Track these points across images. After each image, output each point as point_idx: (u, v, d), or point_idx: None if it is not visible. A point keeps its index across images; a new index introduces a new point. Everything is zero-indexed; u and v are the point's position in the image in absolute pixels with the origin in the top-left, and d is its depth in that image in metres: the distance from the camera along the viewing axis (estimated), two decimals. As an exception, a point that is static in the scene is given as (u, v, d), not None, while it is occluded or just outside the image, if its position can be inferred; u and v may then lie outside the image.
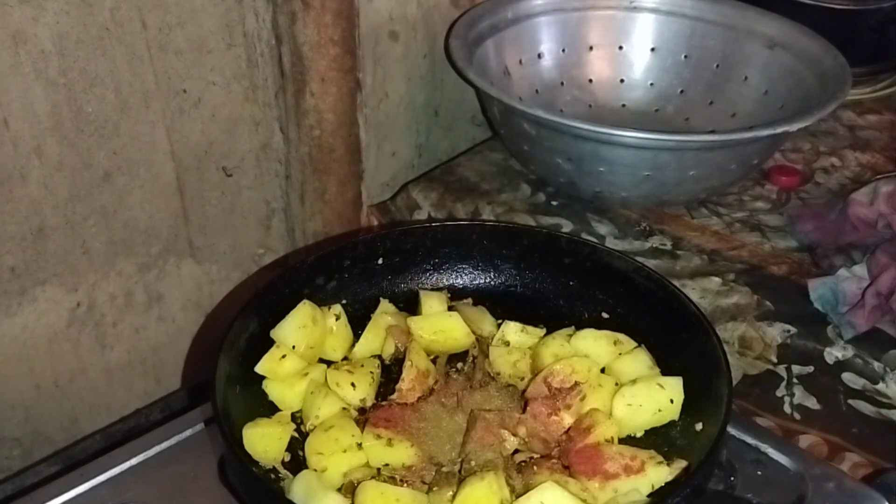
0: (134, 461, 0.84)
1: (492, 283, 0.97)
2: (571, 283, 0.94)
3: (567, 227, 1.11)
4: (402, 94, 1.23)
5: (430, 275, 0.97)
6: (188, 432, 0.87)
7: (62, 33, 0.89)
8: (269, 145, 1.13)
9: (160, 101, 1.00)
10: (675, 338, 0.86)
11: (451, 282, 0.97)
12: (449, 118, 1.33)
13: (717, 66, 1.27)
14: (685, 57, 1.29)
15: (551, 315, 0.93)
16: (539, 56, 1.28)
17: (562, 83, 1.29)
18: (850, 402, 0.96)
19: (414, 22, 1.20)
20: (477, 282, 0.97)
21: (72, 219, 0.98)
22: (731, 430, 0.84)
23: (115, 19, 0.93)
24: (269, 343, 0.85)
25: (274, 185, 1.17)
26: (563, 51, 1.30)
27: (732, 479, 0.81)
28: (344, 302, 0.92)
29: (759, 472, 0.83)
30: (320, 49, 1.06)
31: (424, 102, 1.28)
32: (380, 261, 0.95)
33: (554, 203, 1.16)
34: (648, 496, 0.75)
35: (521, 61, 1.26)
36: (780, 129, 1.02)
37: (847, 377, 0.95)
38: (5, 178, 0.91)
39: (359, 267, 0.94)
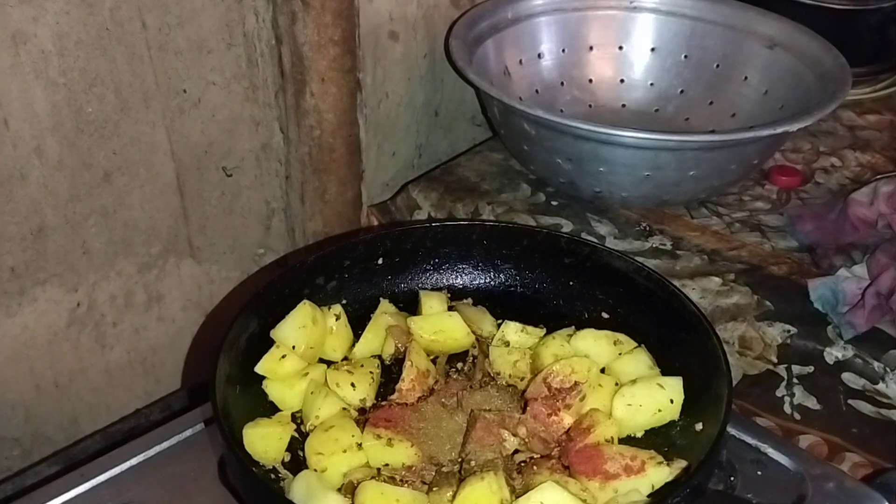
0: (134, 461, 0.84)
1: (492, 283, 0.97)
2: (571, 283, 0.94)
3: (567, 227, 1.11)
4: (402, 94, 1.23)
5: (430, 275, 0.97)
6: (188, 432, 0.87)
7: (62, 33, 0.89)
8: (269, 145, 1.13)
9: (160, 101, 1.00)
10: (675, 338, 0.86)
11: (451, 282, 0.97)
12: (449, 118, 1.33)
13: (717, 66, 1.27)
14: (685, 57, 1.29)
15: (551, 315, 0.93)
16: (539, 56, 1.28)
17: (562, 83, 1.29)
18: (850, 402, 0.96)
19: (414, 22, 1.20)
20: (477, 282, 0.97)
21: (72, 219, 0.98)
22: (731, 430, 0.84)
23: (115, 19, 0.93)
24: (270, 343, 0.85)
25: (274, 185, 1.17)
26: (563, 51, 1.30)
27: (732, 479, 0.81)
28: (344, 302, 0.92)
29: (759, 472, 0.83)
30: (320, 49, 1.06)
31: (424, 102, 1.28)
32: (380, 261, 0.95)
33: (554, 203, 1.16)
34: (648, 496, 0.75)
35: (521, 61, 1.26)
36: (780, 129, 1.02)
37: (847, 377, 0.95)
38: (5, 178, 0.91)
39: (359, 267, 0.94)
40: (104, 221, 1.01)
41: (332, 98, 1.10)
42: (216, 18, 1.01)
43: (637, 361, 0.86)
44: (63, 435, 1.09)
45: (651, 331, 0.89)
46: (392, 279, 0.96)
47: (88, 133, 0.95)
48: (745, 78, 1.24)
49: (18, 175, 0.92)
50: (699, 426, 0.79)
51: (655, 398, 0.81)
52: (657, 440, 0.81)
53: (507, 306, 0.95)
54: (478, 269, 0.97)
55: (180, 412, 0.90)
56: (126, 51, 0.95)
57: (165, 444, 0.86)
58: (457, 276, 0.97)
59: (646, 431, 0.82)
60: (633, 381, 0.83)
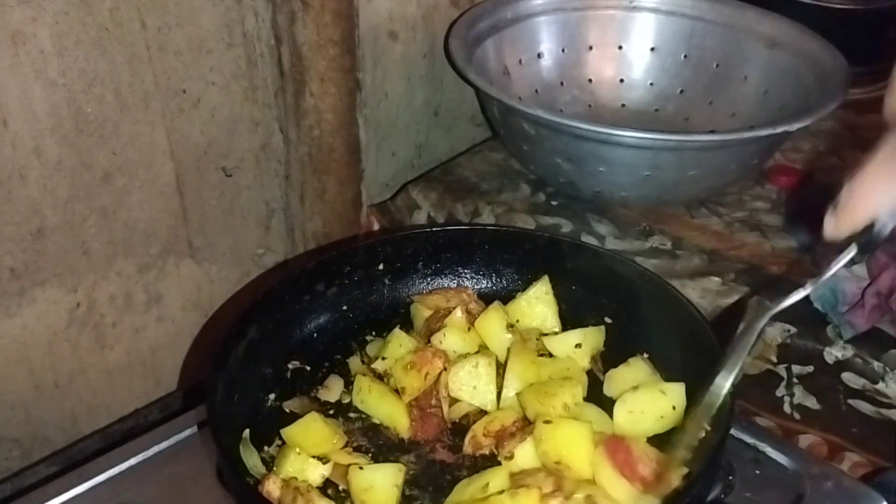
0: (132, 461, 0.84)
1: (493, 287, 0.97)
2: (574, 287, 0.93)
3: (567, 227, 1.11)
4: (401, 94, 1.23)
5: (431, 280, 0.97)
6: (187, 433, 0.87)
7: (61, 33, 0.89)
8: (269, 145, 1.13)
9: (160, 101, 1.00)
10: (679, 343, 0.85)
11: (452, 287, 0.97)
12: (449, 118, 1.33)
13: (717, 66, 1.27)
14: (685, 57, 1.29)
15: (553, 319, 0.93)
16: (539, 56, 1.28)
17: (562, 83, 1.29)
18: (850, 401, 0.96)
19: (413, 22, 1.20)
20: (478, 287, 0.97)
21: (71, 219, 0.98)
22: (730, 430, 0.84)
23: (115, 19, 0.93)
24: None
25: (273, 185, 1.17)
26: (563, 51, 1.30)
27: (731, 478, 0.81)
28: (344, 308, 0.92)
29: (758, 472, 0.83)
30: (320, 49, 1.06)
31: (424, 102, 1.27)
32: (380, 266, 0.95)
33: (554, 203, 1.16)
34: None
35: (520, 61, 1.26)
36: (780, 129, 1.02)
37: (847, 377, 0.95)
38: (5, 179, 0.91)
39: (359, 272, 0.94)
40: (104, 222, 1.01)
41: (331, 98, 1.10)
42: (216, 18, 1.01)
43: (636, 369, 0.86)
44: (62, 435, 1.09)
45: (654, 335, 0.88)
46: (393, 284, 0.96)
47: (88, 133, 0.95)
48: (745, 78, 1.24)
49: (18, 175, 0.92)
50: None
51: (657, 405, 0.81)
52: (660, 447, 0.80)
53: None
54: (479, 273, 0.97)
55: (179, 412, 0.90)
56: (125, 51, 0.95)
57: (164, 445, 0.86)
58: (458, 281, 0.97)
59: (648, 438, 0.81)
60: (635, 388, 0.83)
